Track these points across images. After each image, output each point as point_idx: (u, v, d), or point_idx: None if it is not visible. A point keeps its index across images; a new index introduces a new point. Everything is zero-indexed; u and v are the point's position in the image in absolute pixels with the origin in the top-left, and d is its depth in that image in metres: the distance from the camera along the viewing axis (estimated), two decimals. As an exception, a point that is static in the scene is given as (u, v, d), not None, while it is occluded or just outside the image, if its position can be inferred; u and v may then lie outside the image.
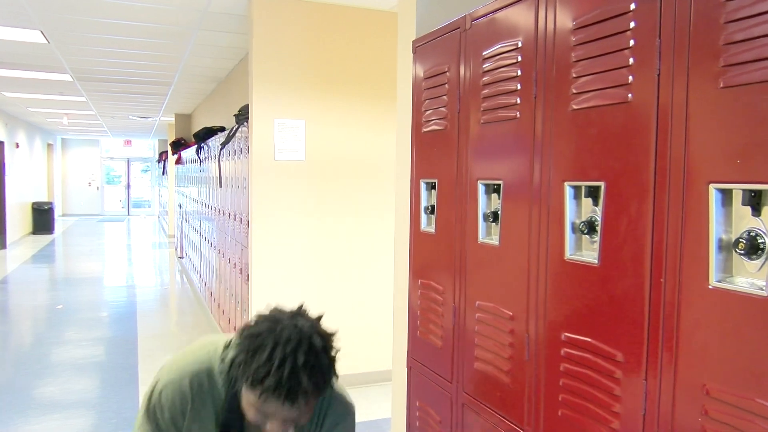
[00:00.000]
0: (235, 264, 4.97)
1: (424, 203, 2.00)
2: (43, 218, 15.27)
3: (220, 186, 5.60)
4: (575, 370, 1.30)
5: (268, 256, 4.28)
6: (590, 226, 1.27)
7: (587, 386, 1.26)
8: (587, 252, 1.30)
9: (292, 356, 1.14)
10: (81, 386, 4.69)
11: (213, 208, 6.29)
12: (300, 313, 1.26)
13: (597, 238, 1.24)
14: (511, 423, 1.53)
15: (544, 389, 1.41)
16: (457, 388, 1.80)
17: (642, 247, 1.12)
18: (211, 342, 1.42)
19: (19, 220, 13.73)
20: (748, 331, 0.95)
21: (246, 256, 4.47)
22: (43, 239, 14.32)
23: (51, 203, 15.67)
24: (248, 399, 1.21)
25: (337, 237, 4.51)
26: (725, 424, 0.98)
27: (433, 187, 1.94)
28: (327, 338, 1.23)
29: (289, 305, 1.29)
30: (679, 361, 1.05)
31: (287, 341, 1.16)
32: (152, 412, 1.38)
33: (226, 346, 1.36)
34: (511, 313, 1.53)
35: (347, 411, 1.47)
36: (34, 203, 15.19)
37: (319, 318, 1.29)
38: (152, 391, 1.39)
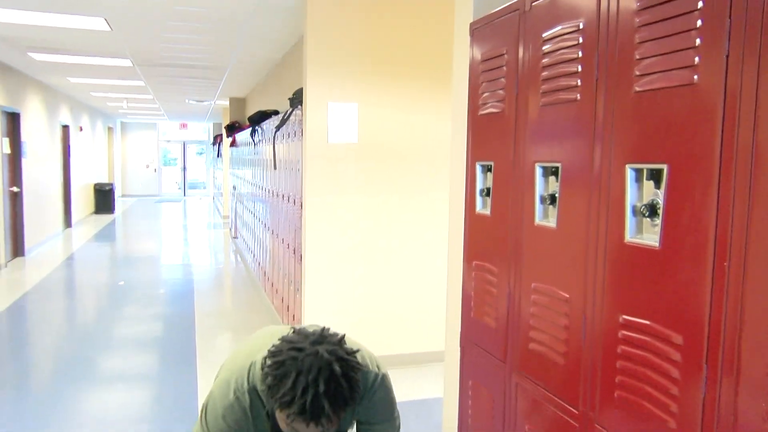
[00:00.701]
0: (288, 244, 5.07)
1: (479, 186, 2.02)
2: (104, 199, 15.87)
3: (275, 168, 5.71)
4: (633, 353, 1.30)
5: (320, 237, 4.36)
6: (652, 209, 1.26)
7: (645, 368, 1.27)
8: (648, 235, 1.30)
9: (314, 385, 1.24)
10: (142, 360, 4.91)
11: (267, 190, 6.42)
12: (322, 338, 1.34)
13: (658, 221, 1.24)
14: (566, 403, 1.55)
15: (600, 371, 1.41)
16: (511, 368, 1.82)
17: (706, 232, 1.11)
18: (250, 357, 1.53)
19: (82, 200, 14.33)
20: (816, 316, 0.94)
21: (299, 237, 4.56)
22: (105, 219, 14.92)
23: (112, 184, 16.25)
24: (280, 416, 1.32)
25: (389, 218, 4.55)
26: (789, 409, 0.97)
27: (489, 170, 1.95)
28: (346, 362, 1.30)
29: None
30: (743, 350, 1.04)
31: (309, 370, 1.25)
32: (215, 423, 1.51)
33: (263, 364, 1.43)
34: (567, 296, 1.54)
35: (376, 385, 1.55)
36: (96, 184, 15.80)
37: (341, 339, 1.36)
38: (206, 409, 1.54)
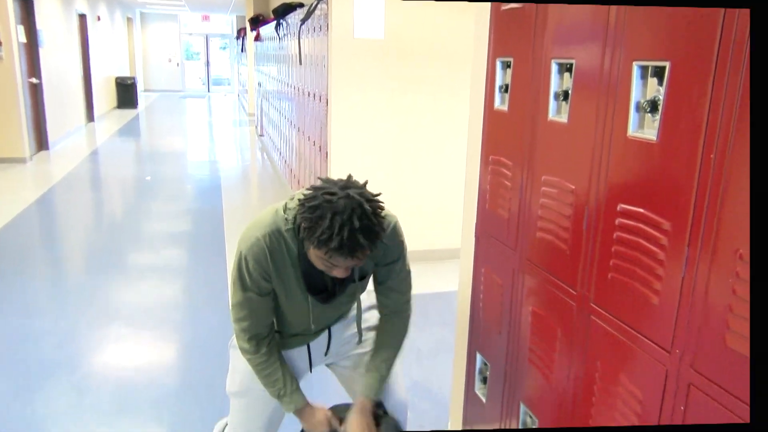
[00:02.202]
0: (314, 142, 5.18)
1: (499, 82, 2.08)
2: (126, 93, 15.81)
3: (300, 64, 5.71)
4: (626, 238, 1.43)
5: (346, 134, 4.46)
6: (653, 105, 1.35)
7: (636, 252, 1.40)
8: (648, 130, 1.39)
9: (349, 223, 1.43)
10: (171, 253, 5.14)
11: (293, 87, 6.43)
12: (349, 183, 1.52)
13: (658, 116, 1.33)
14: (566, 285, 1.71)
15: (598, 256, 1.56)
16: (520, 256, 1.97)
17: (698, 125, 1.20)
18: (272, 208, 1.71)
19: (104, 94, 14.32)
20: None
21: (325, 134, 4.66)
22: (128, 113, 14.96)
23: (134, 78, 16.16)
24: (316, 254, 1.54)
25: (413, 116, 4.61)
26: (754, 284, 1.11)
27: (509, 66, 2.01)
28: (374, 202, 1.52)
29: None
30: (720, 230, 1.16)
31: (343, 210, 1.43)
32: (244, 280, 1.69)
33: (285, 209, 1.66)
34: (573, 187, 1.65)
35: (391, 227, 1.76)
36: (117, 78, 15.69)
37: (365, 183, 1.56)
38: (238, 262, 1.69)
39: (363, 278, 1.83)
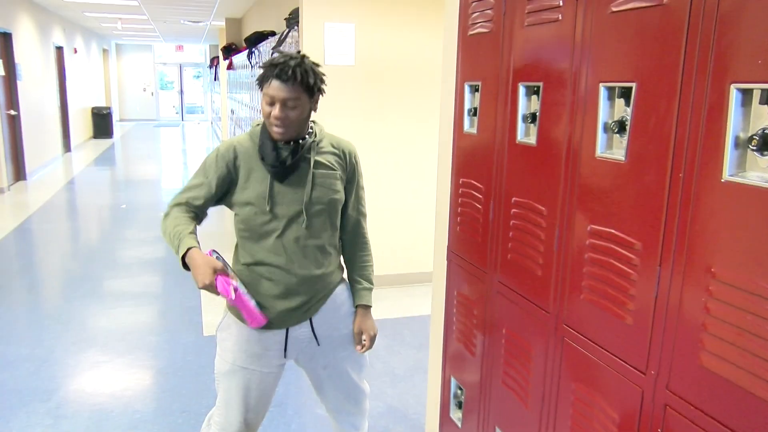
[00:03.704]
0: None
1: (467, 105, 2.09)
2: (102, 123, 15.78)
3: (272, 91, 5.70)
4: (598, 258, 1.42)
5: (318, 159, 4.43)
6: (621, 126, 1.35)
7: (608, 272, 1.39)
8: (617, 150, 1.39)
9: (293, 60, 1.75)
10: (147, 279, 5.10)
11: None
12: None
13: (626, 136, 1.33)
14: (538, 306, 1.68)
15: (570, 277, 1.54)
16: (492, 278, 1.95)
17: (666, 144, 1.20)
18: None
19: (80, 124, 14.26)
20: (755, 220, 1.04)
21: (297, 159, 4.63)
22: (104, 143, 14.91)
23: (109, 108, 16.11)
24: (263, 99, 1.80)
25: (384, 140, 4.61)
26: (726, 303, 1.09)
27: (477, 90, 2.02)
28: (315, 64, 1.82)
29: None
30: (692, 248, 1.16)
31: (291, 56, 1.76)
32: (203, 167, 1.90)
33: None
34: (543, 209, 1.64)
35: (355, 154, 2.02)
36: (93, 108, 15.67)
37: None
38: (208, 156, 1.92)
39: (318, 174, 1.88)
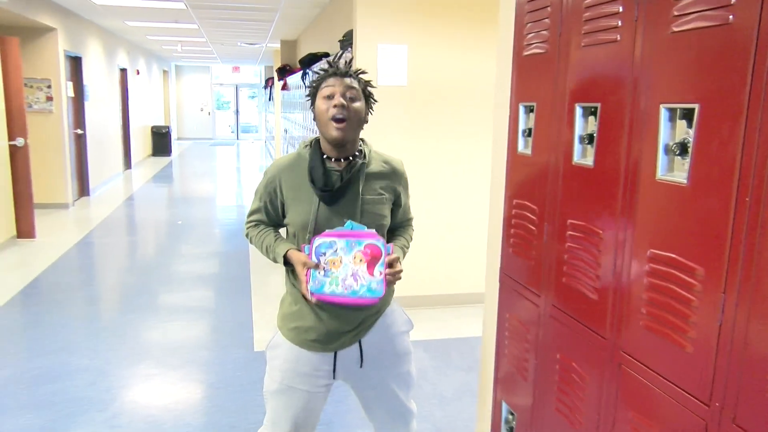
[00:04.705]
0: (338, 186, 5.19)
1: (522, 126, 2.07)
2: (161, 141, 16.32)
3: (325, 111, 5.78)
4: (658, 284, 1.38)
5: (369, 178, 4.46)
6: (682, 148, 1.31)
7: (668, 298, 1.34)
8: (678, 173, 1.35)
9: (343, 62, 1.84)
10: (201, 294, 5.22)
11: (318, 133, 6.50)
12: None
13: (688, 159, 1.29)
14: (595, 332, 1.64)
15: (628, 302, 1.50)
16: (546, 302, 1.91)
17: (731, 167, 1.16)
18: None
19: (141, 142, 14.81)
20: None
21: (349, 179, 4.67)
22: (162, 161, 15.41)
23: (168, 127, 16.65)
24: (319, 100, 1.82)
25: (436, 160, 4.61)
26: (797, 334, 1.04)
27: (531, 111, 2.00)
28: (363, 71, 1.89)
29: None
30: (759, 275, 1.11)
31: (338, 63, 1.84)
32: (257, 192, 1.94)
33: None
34: (601, 232, 1.61)
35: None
36: (153, 127, 16.23)
37: None
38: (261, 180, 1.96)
39: (367, 200, 1.86)
